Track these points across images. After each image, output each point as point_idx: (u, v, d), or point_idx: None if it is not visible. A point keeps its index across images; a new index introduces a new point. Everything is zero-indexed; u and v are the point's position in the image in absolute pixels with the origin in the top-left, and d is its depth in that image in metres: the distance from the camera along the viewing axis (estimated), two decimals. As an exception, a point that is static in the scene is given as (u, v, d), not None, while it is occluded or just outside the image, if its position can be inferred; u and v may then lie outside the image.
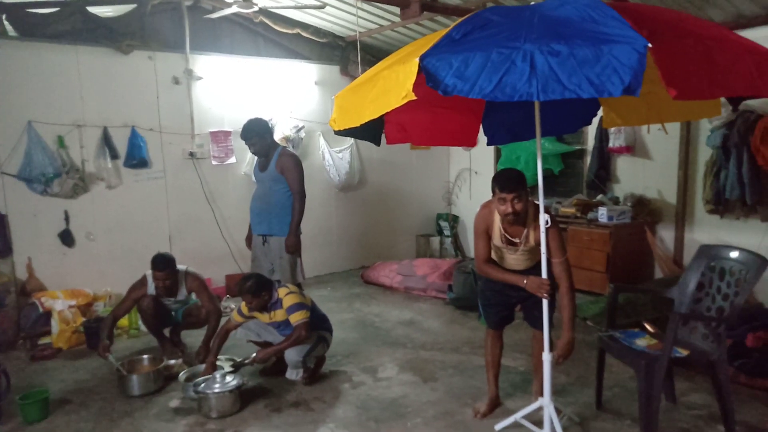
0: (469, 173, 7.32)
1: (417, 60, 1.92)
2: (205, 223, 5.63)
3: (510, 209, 2.69)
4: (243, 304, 3.55)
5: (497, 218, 2.88)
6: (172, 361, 3.81)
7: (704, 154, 4.93)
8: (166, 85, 5.35)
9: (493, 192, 2.76)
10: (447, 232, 7.35)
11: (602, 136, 5.64)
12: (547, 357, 2.75)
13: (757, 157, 4.29)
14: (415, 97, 1.93)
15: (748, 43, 2.15)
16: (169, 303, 4.00)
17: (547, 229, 2.73)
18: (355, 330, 4.67)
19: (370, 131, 2.65)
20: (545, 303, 2.76)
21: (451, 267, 5.68)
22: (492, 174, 7.02)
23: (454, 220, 7.41)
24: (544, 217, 2.77)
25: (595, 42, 1.83)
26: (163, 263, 3.74)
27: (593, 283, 5.19)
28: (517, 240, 2.86)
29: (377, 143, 2.93)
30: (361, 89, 2.41)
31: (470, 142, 3.54)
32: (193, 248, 5.51)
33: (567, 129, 3.92)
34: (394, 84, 2.10)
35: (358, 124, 2.35)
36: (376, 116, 2.21)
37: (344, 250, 6.72)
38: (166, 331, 4.16)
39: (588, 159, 5.91)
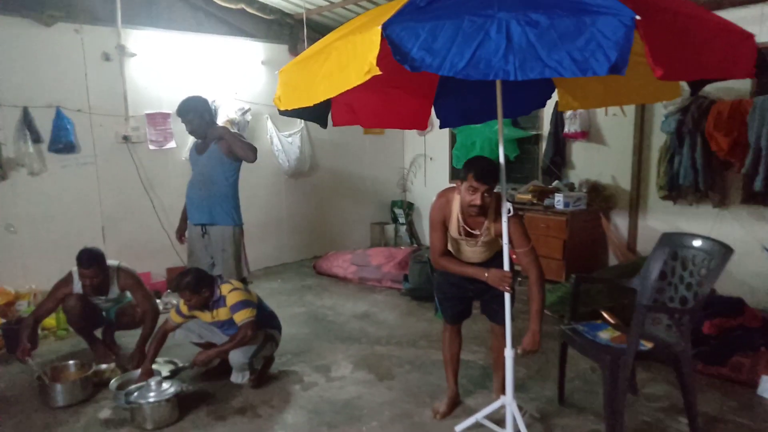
0: (424, 159, 7.14)
1: (380, 28, 1.67)
2: (142, 213, 5.22)
3: (479, 201, 2.50)
4: (182, 302, 3.25)
5: (456, 208, 2.69)
6: (104, 366, 3.46)
7: (658, 140, 4.91)
8: (96, 61, 4.88)
9: (464, 179, 2.55)
10: (402, 220, 7.17)
11: (558, 121, 5.56)
12: (509, 354, 2.60)
13: (711, 143, 4.28)
14: (379, 72, 1.68)
15: (722, 21, 2.02)
16: (100, 302, 3.63)
17: (508, 219, 2.57)
18: (307, 325, 4.42)
19: (316, 111, 2.38)
20: (507, 297, 2.61)
21: (407, 256, 5.51)
22: (447, 160, 7.03)
23: (409, 207, 7.23)
24: (506, 206, 2.61)
25: (575, 12, 1.63)
26: (89, 260, 3.37)
27: (550, 271, 5.10)
28: (476, 232, 2.68)
29: (323, 125, 2.67)
30: (311, 63, 2.14)
31: (421, 125, 3.33)
32: (129, 240, 5.11)
33: (520, 111, 3.74)
34: (352, 57, 1.84)
35: (310, 104, 2.09)
36: (332, 95, 1.95)
37: (295, 240, 6.43)
38: (98, 333, 3.80)
39: (543, 144, 5.84)
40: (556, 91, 3.18)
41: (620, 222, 5.34)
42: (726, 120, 4.14)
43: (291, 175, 6.21)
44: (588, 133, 5.42)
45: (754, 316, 3.40)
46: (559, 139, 5.60)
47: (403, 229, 7.16)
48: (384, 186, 7.25)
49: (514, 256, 2.62)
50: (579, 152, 5.60)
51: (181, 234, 4.07)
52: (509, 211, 2.61)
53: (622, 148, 5.21)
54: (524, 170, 6.08)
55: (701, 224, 4.73)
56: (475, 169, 2.50)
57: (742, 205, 4.52)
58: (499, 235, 2.64)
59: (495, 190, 2.57)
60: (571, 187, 5.42)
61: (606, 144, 5.39)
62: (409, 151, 7.33)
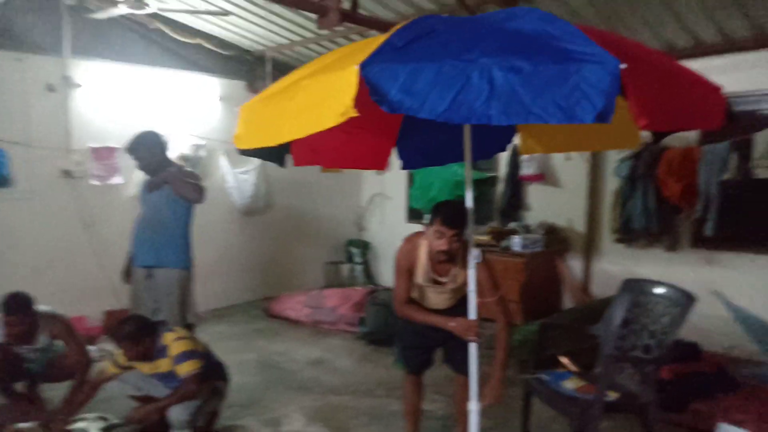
0: (381, 198, 7.07)
1: (357, 68, 1.58)
2: (80, 252, 4.87)
3: (446, 246, 2.40)
4: (120, 352, 2.98)
5: (423, 254, 2.59)
6: (25, 425, 3.10)
7: (612, 184, 5.02)
8: (39, 92, 4.61)
9: (431, 222, 2.46)
10: (358, 259, 7.02)
11: (514, 163, 5.62)
12: (475, 408, 2.46)
13: (663, 188, 4.39)
14: (356, 114, 1.58)
15: (693, 74, 2.05)
16: (24, 352, 3.28)
17: (477, 266, 2.48)
18: (257, 373, 4.16)
19: (275, 151, 2.26)
20: (473, 347, 2.50)
21: (363, 297, 5.35)
22: (405, 199, 6.99)
23: (365, 246, 7.10)
24: (473, 253, 2.52)
25: (559, 59, 1.58)
26: (15, 306, 3.05)
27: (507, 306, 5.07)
28: (444, 279, 2.58)
29: (281, 164, 2.54)
30: (276, 101, 2.02)
31: (381, 165, 3.26)
32: (64, 281, 4.74)
33: (483, 155, 3.74)
34: (326, 96, 1.73)
35: (274, 144, 1.95)
36: (301, 135, 1.82)
37: (246, 280, 6.17)
38: (21, 386, 3.42)
39: (500, 186, 5.88)
40: (518, 134, 3.18)
41: (575, 264, 5.38)
42: (677, 166, 4.27)
43: (245, 213, 6.00)
44: (544, 176, 5.49)
45: (710, 361, 3.41)
46: (516, 182, 5.66)
47: (359, 268, 7.00)
48: (340, 225, 7.11)
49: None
50: (535, 194, 5.66)
51: (127, 276, 3.80)
52: (477, 257, 2.53)
53: (577, 191, 5.29)
54: (482, 212, 6.08)
55: (653, 267, 4.81)
56: (442, 213, 2.42)
57: (692, 249, 4.63)
58: (466, 283, 2.55)
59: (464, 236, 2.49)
60: (527, 229, 5.44)
61: (561, 187, 5.47)
62: (367, 189, 7.26)
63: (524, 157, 5.48)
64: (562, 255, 5.36)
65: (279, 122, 1.91)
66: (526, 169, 5.50)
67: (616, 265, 5.08)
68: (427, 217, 6.50)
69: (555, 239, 5.35)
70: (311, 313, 5.42)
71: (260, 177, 6.03)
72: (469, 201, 2.64)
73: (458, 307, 2.71)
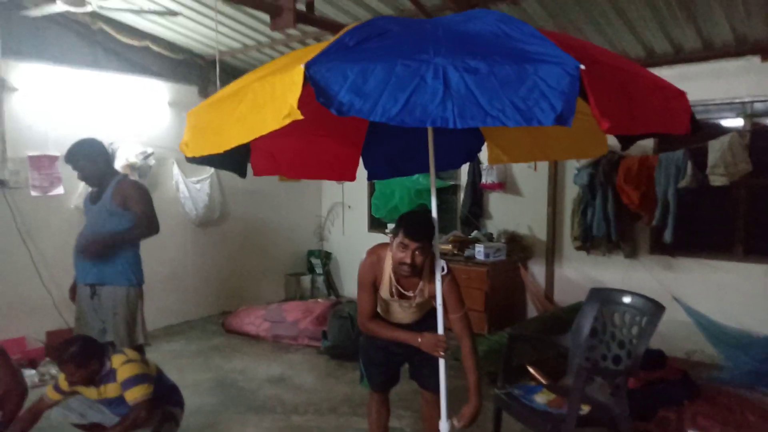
0: (342, 207, 6.93)
1: (302, 67, 1.46)
2: (18, 268, 4.51)
3: (409, 260, 2.29)
4: (62, 377, 2.73)
5: (388, 267, 2.47)
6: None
7: (572, 191, 5.05)
8: (-31, 96, 4.26)
9: (395, 234, 2.35)
10: (319, 270, 6.84)
11: (475, 171, 5.60)
12: (444, 427, 2.36)
13: (622, 195, 4.44)
14: (301, 117, 1.46)
15: (656, 77, 2.02)
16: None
17: (443, 279, 2.39)
18: (214, 393, 3.93)
19: (232, 160, 2.11)
20: (442, 362, 2.40)
21: (326, 310, 5.18)
22: (366, 208, 6.86)
23: (326, 257, 6.94)
24: (439, 264, 2.43)
25: (516, 60, 1.52)
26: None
27: (472, 324, 5.00)
28: (410, 293, 2.47)
29: (242, 174, 2.39)
30: (224, 105, 1.88)
31: (349, 176, 3.14)
32: (1, 299, 4.38)
33: (450, 164, 3.68)
34: (270, 99, 1.62)
35: (220, 150, 1.81)
36: (244, 141, 1.70)
37: (202, 295, 5.89)
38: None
39: (461, 195, 5.85)
40: (485, 144, 3.13)
41: (537, 271, 5.39)
42: (635, 174, 4.32)
43: (199, 224, 5.74)
44: (504, 184, 5.49)
45: (675, 368, 3.43)
46: (477, 190, 5.63)
47: (320, 280, 6.83)
48: (300, 235, 6.92)
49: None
50: (496, 203, 5.66)
51: (73, 293, 3.51)
52: (443, 270, 2.44)
53: (537, 199, 5.31)
54: (443, 220, 6.02)
55: (614, 274, 4.87)
56: (406, 224, 2.31)
57: (651, 255, 4.70)
58: (433, 297, 2.45)
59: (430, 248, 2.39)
60: (490, 238, 5.42)
61: (522, 195, 5.48)
62: (327, 198, 7.10)
63: (484, 165, 5.48)
64: (524, 263, 5.36)
65: (225, 127, 1.78)
66: (487, 178, 5.49)
67: (577, 272, 5.12)
68: (390, 227, 6.42)
69: (517, 247, 5.34)
70: (271, 327, 5.21)
71: (215, 186, 5.79)
72: (434, 211, 2.57)
73: (424, 321, 2.62)
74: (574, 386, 2.30)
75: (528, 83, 1.52)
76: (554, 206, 5.20)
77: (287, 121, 1.49)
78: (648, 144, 4.62)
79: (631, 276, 4.75)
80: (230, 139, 1.75)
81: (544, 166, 5.21)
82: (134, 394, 2.69)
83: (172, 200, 5.48)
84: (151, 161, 5.17)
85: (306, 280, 6.71)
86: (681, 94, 1.99)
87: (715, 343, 4.22)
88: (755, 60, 4.21)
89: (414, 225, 2.30)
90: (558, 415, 2.44)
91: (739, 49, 4.20)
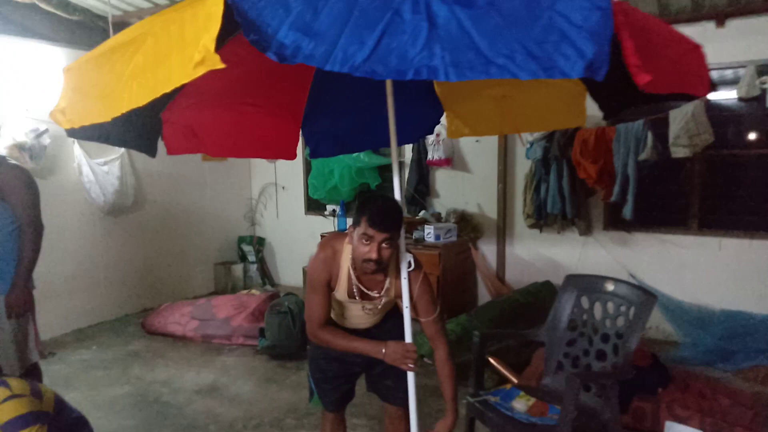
0: (275, 188, 6.35)
1: None
2: None
3: (374, 255, 1.85)
4: None
5: (346, 263, 2.03)
6: None
7: (523, 167, 4.78)
8: None
9: (356, 224, 1.90)
10: (252, 258, 6.27)
11: (420, 148, 5.21)
12: (417, 449, 1.98)
13: (578, 170, 4.19)
14: (221, 64, 0.98)
15: (666, 24, 1.67)
16: None
17: (411, 276, 1.98)
18: (133, 413, 3.35)
19: (135, 134, 1.57)
20: (410, 377, 2.00)
21: (261, 304, 4.67)
22: (303, 189, 6.31)
23: (259, 242, 6.36)
24: (405, 258, 2.02)
25: None
26: None
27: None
28: (374, 293, 2.04)
29: (151, 153, 1.84)
30: (114, 58, 1.34)
31: (289, 154, 2.65)
32: None
33: (406, 138, 3.23)
34: (177, 43, 1.12)
35: (108, 118, 1.27)
36: (142, 102, 1.18)
37: (117, 292, 5.18)
38: None
39: (406, 172, 5.45)
40: (444, 116, 2.73)
41: (488, 251, 5.11)
42: (592, 147, 4.07)
43: (109, 212, 5.00)
44: (452, 160, 5.14)
45: (642, 354, 3.22)
46: (423, 167, 5.26)
47: (253, 268, 6.26)
48: (228, 220, 6.29)
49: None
50: (443, 180, 5.30)
51: None
52: (410, 265, 2.03)
53: (487, 175, 5.00)
54: (387, 199, 5.62)
55: (569, 251, 4.67)
56: (370, 213, 1.86)
57: (606, 231, 4.53)
58: (399, 297, 2.04)
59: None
60: (438, 218, 5.07)
61: (470, 171, 5.15)
62: (258, 179, 6.49)
63: (430, 140, 5.10)
64: (474, 243, 5.06)
65: (116, 87, 1.25)
66: (433, 154, 5.11)
67: (530, 251, 4.88)
68: (329, 209, 5.94)
69: (467, 227, 5.03)
70: (199, 326, 4.63)
71: (126, 168, 5.04)
72: (397, 193, 2.15)
73: (384, 324, 2.21)
74: (565, 398, 1.97)
75: (543, 20, 1.12)
76: (505, 182, 4.92)
77: (200, 71, 1.00)
78: (598, 114, 4.37)
79: (587, 254, 4.56)
80: (122, 102, 1.22)
81: (491, 140, 4.90)
82: (20, 439, 2.10)
83: (74, 186, 4.70)
84: (46, 140, 4.37)
85: (237, 269, 6.12)
86: (696, 48, 1.65)
87: (672, 320, 4.11)
88: (710, 26, 4.04)
89: (380, 213, 1.85)
90: (544, 426, 2.11)
91: (695, 14, 4.01)
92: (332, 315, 2.19)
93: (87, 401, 3.46)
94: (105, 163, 4.89)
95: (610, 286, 2.43)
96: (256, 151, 2.72)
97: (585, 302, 2.51)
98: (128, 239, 5.24)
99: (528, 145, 4.55)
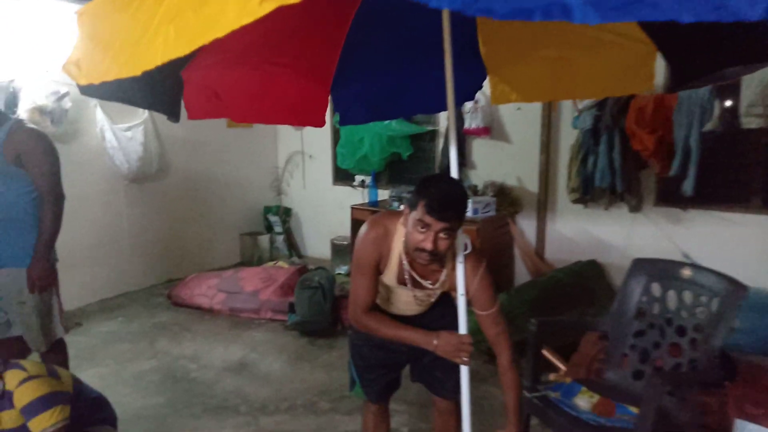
0: (302, 157, 6.12)
1: None
2: None
3: (429, 245, 1.62)
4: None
5: (398, 246, 1.80)
6: None
7: (568, 137, 4.44)
8: None
9: (413, 206, 1.66)
10: (278, 228, 6.09)
11: (457, 115, 4.89)
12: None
13: (633, 141, 3.86)
14: None
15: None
16: None
17: (469, 265, 1.76)
18: (160, 390, 3.22)
19: (159, 94, 1.32)
20: (464, 371, 1.79)
21: (290, 278, 4.49)
22: (331, 158, 6.08)
23: (286, 213, 6.17)
24: (461, 240, 1.78)
25: None
26: None
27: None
28: (428, 283, 1.81)
29: (173, 116, 1.60)
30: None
31: (317, 120, 2.40)
32: None
33: (441, 105, 2.95)
34: None
35: (137, 72, 1.03)
36: (182, 51, 0.93)
37: (142, 262, 5.06)
38: None
39: (441, 141, 5.16)
40: (487, 79, 2.45)
41: (527, 227, 4.83)
42: (650, 116, 3.73)
43: (133, 180, 4.83)
44: (490, 129, 4.83)
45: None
46: (459, 136, 4.96)
47: (280, 239, 6.09)
48: (254, 190, 6.10)
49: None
50: (480, 150, 5.00)
51: None
52: (466, 247, 1.79)
53: (528, 146, 4.68)
54: (419, 170, 5.36)
55: (616, 228, 4.37)
56: (429, 196, 1.61)
57: (657, 207, 4.20)
58: (455, 288, 1.81)
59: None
60: (475, 191, 4.80)
61: (510, 141, 4.84)
62: (284, 147, 6.26)
63: (467, 107, 4.79)
64: (513, 218, 4.79)
65: (148, 33, 0.99)
66: (471, 122, 4.80)
67: (573, 227, 4.59)
68: (358, 179, 5.70)
69: (506, 201, 4.75)
70: (227, 299, 4.49)
71: (150, 134, 4.85)
72: (454, 170, 1.91)
73: (433, 311, 2.00)
74: (645, 403, 1.74)
75: None
76: (548, 153, 4.60)
77: (268, 8, 0.74)
78: (658, 81, 4.02)
79: (636, 231, 4.26)
80: (156, 52, 0.97)
81: (534, 108, 4.57)
82: (42, 424, 1.96)
83: (96, 152, 4.53)
84: (67, 103, 4.18)
85: (264, 239, 5.96)
86: None
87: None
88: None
89: (441, 199, 1.61)
90: (615, 428, 1.89)
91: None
92: (379, 299, 1.98)
93: (112, 376, 3.35)
94: (128, 129, 4.69)
95: (687, 273, 2.16)
96: (282, 117, 2.47)
97: (656, 290, 2.25)
98: (152, 207, 5.09)
99: (576, 114, 4.22)
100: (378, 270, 1.85)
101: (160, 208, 5.16)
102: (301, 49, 2.02)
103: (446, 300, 2.02)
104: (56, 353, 2.67)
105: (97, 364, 3.51)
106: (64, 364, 2.74)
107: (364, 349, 2.10)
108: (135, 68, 1.02)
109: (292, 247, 6.15)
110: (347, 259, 5.34)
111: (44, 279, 2.50)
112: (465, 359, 1.76)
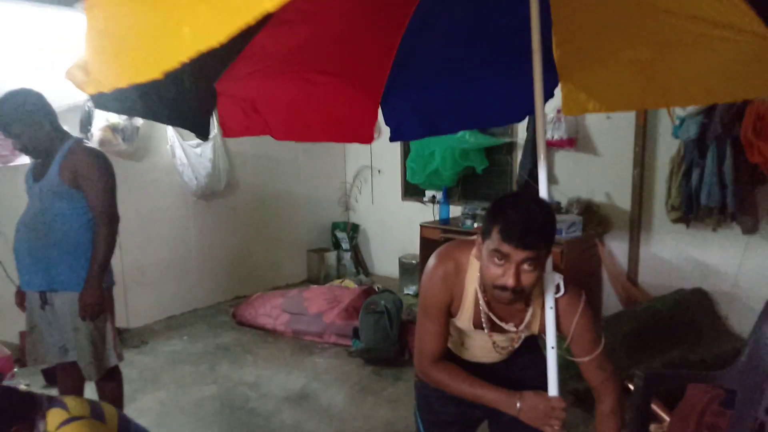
0: (370, 172, 5.92)
1: None
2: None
3: (511, 281, 1.29)
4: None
5: (472, 284, 1.49)
6: None
7: (669, 148, 3.93)
8: None
9: (486, 234, 1.35)
10: (345, 245, 5.91)
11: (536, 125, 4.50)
12: None
13: (750, 152, 3.32)
14: None
15: None
16: None
17: (564, 306, 1.42)
18: (216, 421, 3.05)
19: (180, 108, 1.10)
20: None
21: (356, 300, 4.26)
22: (400, 172, 5.83)
23: (353, 229, 5.98)
24: (551, 278, 1.45)
25: None
26: None
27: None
28: (511, 326, 1.49)
29: (202, 133, 1.38)
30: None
31: (365, 137, 2.14)
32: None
33: (510, 116, 2.55)
34: None
35: (158, 73, 0.78)
36: (218, 39, 0.66)
37: (210, 278, 5.01)
38: None
39: (518, 155, 4.77)
40: (559, 86, 2.04)
41: (617, 249, 4.33)
42: (772, 124, 3.18)
43: (201, 196, 4.80)
44: (575, 141, 4.39)
45: None
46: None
47: (347, 256, 5.90)
48: (323, 205, 5.96)
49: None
50: (564, 164, 4.56)
51: (21, 299, 2.63)
52: (558, 289, 1.46)
53: (618, 159, 4.20)
54: (495, 186, 4.99)
55: (725, 253, 3.80)
56: (505, 220, 1.29)
57: (778, 230, 3.61)
58: (543, 331, 1.48)
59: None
60: (558, 208, 4.36)
61: (598, 154, 4.37)
62: (352, 162, 6.09)
63: (550, 116, 4.38)
64: (601, 238, 4.31)
65: (172, 19, 0.74)
66: (553, 133, 4.39)
67: (672, 250, 4.05)
68: (428, 194, 5.40)
69: (593, 219, 4.28)
70: (291, 320, 4.32)
71: (219, 151, 4.80)
72: (543, 189, 1.58)
73: (515, 359, 1.67)
74: None
75: None
76: (642, 167, 4.09)
77: None
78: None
79: (751, 256, 3.67)
80: (182, 42, 0.71)
81: (626, 117, 4.09)
82: (80, 470, 1.80)
83: (167, 169, 4.54)
84: (139, 121, 4.20)
85: (331, 256, 5.79)
86: None
87: None
88: None
89: (519, 221, 1.28)
90: None
91: None
92: (449, 344, 1.67)
93: (172, 402, 3.23)
94: (197, 145, 4.67)
95: None
96: (327, 134, 2.21)
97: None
98: (220, 224, 5.05)
99: (677, 122, 3.71)
100: (449, 313, 1.55)
101: (228, 225, 5.11)
102: (350, 56, 1.78)
103: (532, 345, 1.69)
104: (110, 381, 2.57)
105: (159, 387, 3.42)
106: (118, 393, 2.63)
107: (432, 401, 1.80)
108: (155, 68, 0.77)
109: (360, 264, 5.94)
110: (416, 279, 5.05)
111: (96, 306, 2.39)
112: (557, 428, 1.42)
